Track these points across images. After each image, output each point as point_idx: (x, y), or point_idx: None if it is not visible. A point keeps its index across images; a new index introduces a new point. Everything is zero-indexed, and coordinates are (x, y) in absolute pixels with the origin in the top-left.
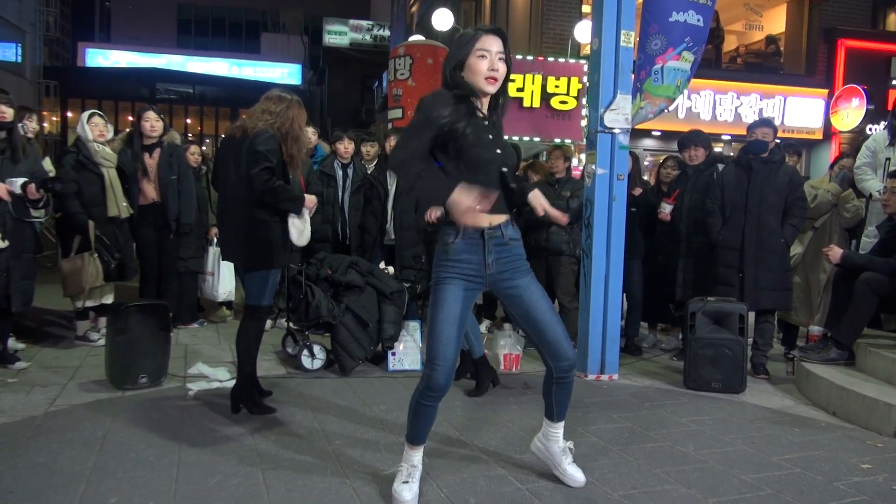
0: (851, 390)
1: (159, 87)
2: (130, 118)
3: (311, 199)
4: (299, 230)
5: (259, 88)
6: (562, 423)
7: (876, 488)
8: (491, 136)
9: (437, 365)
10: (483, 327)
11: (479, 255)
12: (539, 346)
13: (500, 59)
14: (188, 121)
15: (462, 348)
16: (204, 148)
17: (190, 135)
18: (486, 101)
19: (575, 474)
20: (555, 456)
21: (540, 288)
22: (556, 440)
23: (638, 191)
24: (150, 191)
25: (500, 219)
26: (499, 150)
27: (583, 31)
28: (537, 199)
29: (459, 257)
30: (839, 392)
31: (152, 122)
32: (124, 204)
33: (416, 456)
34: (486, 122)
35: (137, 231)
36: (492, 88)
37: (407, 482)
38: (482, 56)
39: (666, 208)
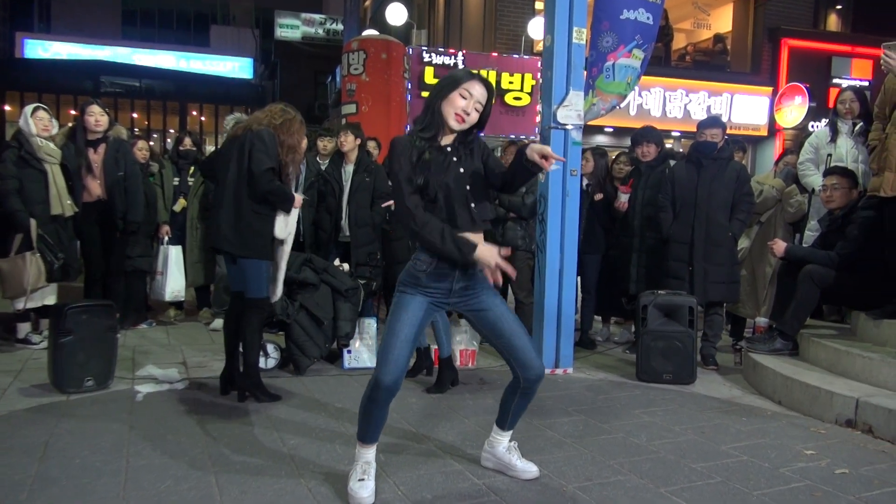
0: (795, 379)
1: (104, 80)
2: (73, 112)
3: (298, 199)
4: (282, 225)
5: (209, 82)
6: (510, 433)
7: (819, 473)
8: (449, 162)
9: (390, 367)
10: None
11: (448, 283)
12: (509, 358)
13: (476, 108)
14: (134, 115)
15: (419, 346)
16: (151, 143)
17: (137, 130)
18: (450, 136)
19: (526, 467)
20: (503, 458)
21: (503, 302)
22: (500, 444)
23: (599, 196)
24: (95, 188)
25: None
26: (461, 170)
27: (536, 28)
28: (532, 152)
29: (429, 284)
30: (784, 381)
31: (97, 117)
32: (68, 202)
33: (370, 453)
34: (449, 149)
35: (82, 229)
36: (455, 125)
37: (363, 479)
38: (463, 96)
39: (622, 197)
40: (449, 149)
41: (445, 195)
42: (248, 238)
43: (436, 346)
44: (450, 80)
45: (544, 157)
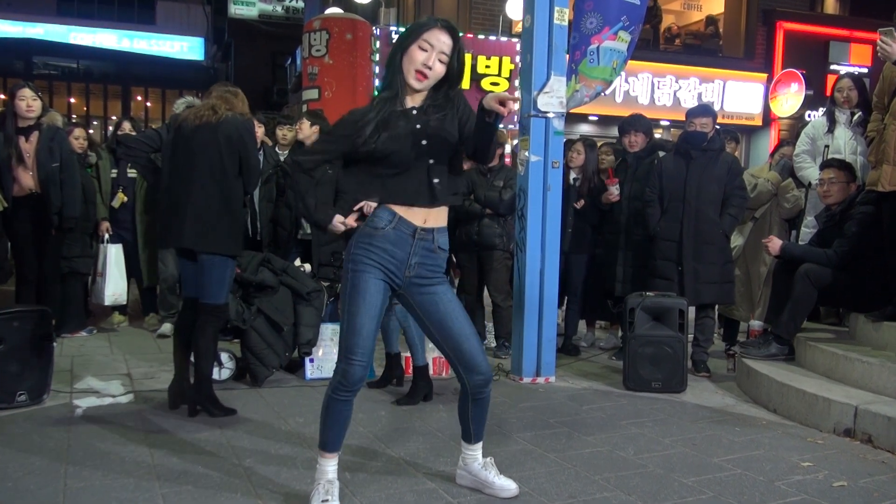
0: (791, 386)
1: (37, 60)
2: (2, 97)
3: None
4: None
5: (155, 63)
6: (480, 444)
7: (817, 486)
8: (409, 126)
9: (356, 359)
10: None
11: (405, 253)
12: (453, 359)
13: (440, 59)
14: (72, 100)
15: (390, 352)
16: (91, 131)
17: (74, 116)
18: (417, 97)
19: (505, 484)
20: (479, 475)
21: (457, 299)
22: (474, 460)
23: (580, 203)
24: (26, 180)
25: (437, 222)
26: (424, 141)
27: (514, 8)
28: (489, 100)
29: (385, 246)
30: (779, 388)
31: (28, 101)
32: None
33: (332, 466)
34: (414, 112)
35: (12, 226)
36: (416, 84)
37: (326, 500)
38: (423, 48)
39: (613, 189)
40: (414, 111)
41: (399, 168)
42: (221, 234)
43: (407, 354)
44: (408, 32)
45: (501, 103)
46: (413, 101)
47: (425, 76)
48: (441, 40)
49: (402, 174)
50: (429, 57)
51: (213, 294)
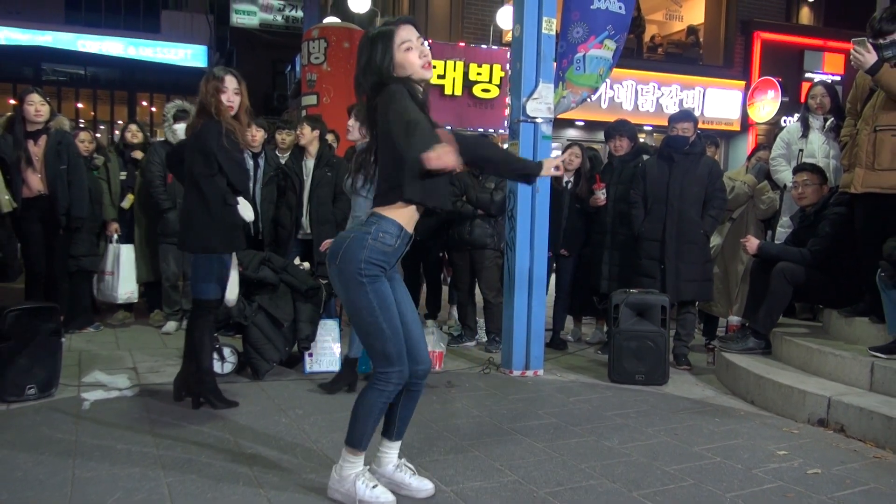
0: (768, 378)
1: (45, 67)
2: (12, 102)
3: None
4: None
5: (159, 71)
6: (398, 443)
7: (792, 474)
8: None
9: (406, 361)
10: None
11: (398, 257)
12: None
13: (422, 43)
14: (79, 105)
15: (347, 356)
16: (98, 135)
17: (82, 121)
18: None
19: (421, 485)
20: (394, 477)
21: (406, 289)
22: (389, 462)
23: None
24: (35, 182)
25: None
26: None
27: (504, 18)
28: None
29: (389, 261)
30: (756, 381)
31: (37, 106)
32: (6, 197)
33: (361, 459)
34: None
35: (21, 227)
36: (430, 74)
37: (376, 485)
38: (409, 48)
39: (599, 194)
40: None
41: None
42: (199, 233)
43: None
44: (380, 52)
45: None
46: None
47: (431, 63)
48: (412, 32)
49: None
50: (420, 48)
51: (200, 290)
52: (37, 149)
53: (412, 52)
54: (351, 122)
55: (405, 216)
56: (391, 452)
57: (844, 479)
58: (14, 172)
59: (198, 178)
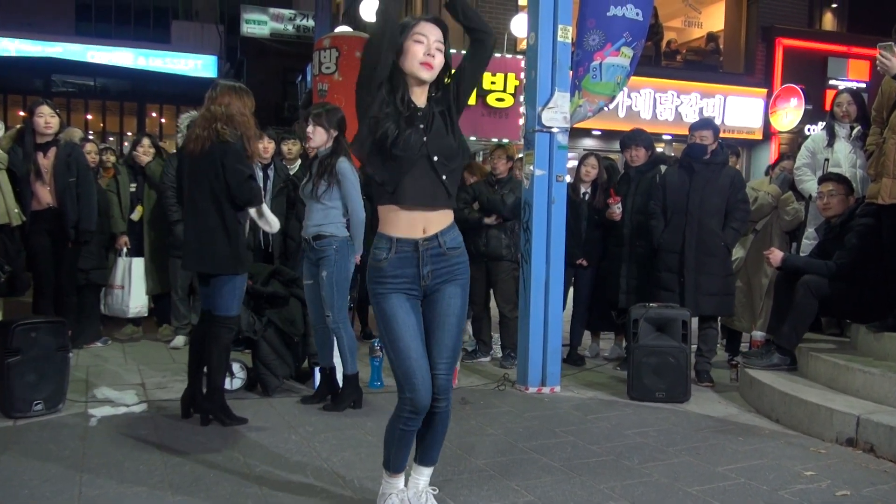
0: (794, 396)
1: (55, 78)
2: (22, 114)
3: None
4: (262, 221)
5: (169, 81)
6: (423, 469)
7: (820, 495)
8: (422, 126)
9: (417, 386)
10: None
11: (414, 269)
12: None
13: (437, 48)
14: (89, 116)
15: (326, 366)
16: (112, 148)
17: (91, 132)
18: (422, 91)
19: None
20: (413, 502)
21: (461, 308)
22: (413, 485)
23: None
24: (44, 195)
25: (439, 226)
26: (424, 139)
27: (519, 25)
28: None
29: (393, 273)
30: (782, 398)
31: (47, 118)
32: (15, 210)
33: (401, 480)
34: (420, 113)
35: (30, 240)
36: (426, 75)
37: None
38: (418, 41)
39: (615, 208)
40: (420, 113)
41: (405, 165)
42: (219, 255)
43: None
44: (404, 26)
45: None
46: (415, 97)
47: (431, 65)
48: (433, 31)
49: (408, 172)
50: (429, 47)
51: (225, 306)
52: (46, 161)
53: (420, 46)
54: (310, 128)
55: (389, 223)
56: (416, 476)
57: (874, 501)
58: (23, 185)
59: (217, 201)
